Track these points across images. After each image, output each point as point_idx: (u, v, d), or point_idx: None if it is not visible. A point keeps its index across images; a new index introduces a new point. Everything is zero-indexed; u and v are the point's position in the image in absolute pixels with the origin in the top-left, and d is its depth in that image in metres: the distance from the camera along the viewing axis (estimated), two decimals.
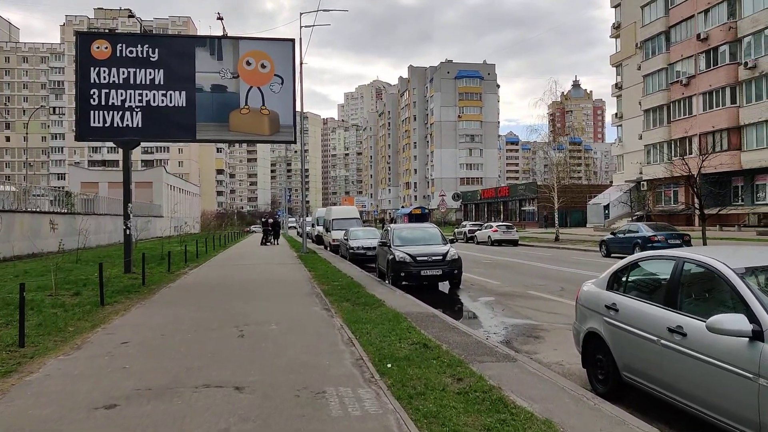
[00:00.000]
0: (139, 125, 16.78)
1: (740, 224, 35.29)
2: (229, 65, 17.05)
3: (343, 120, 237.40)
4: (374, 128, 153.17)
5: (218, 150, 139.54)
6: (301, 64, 26.94)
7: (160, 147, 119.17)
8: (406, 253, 14.06)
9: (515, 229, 35.86)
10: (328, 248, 30.73)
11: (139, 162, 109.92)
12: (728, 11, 37.40)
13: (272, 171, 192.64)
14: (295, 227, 70.32)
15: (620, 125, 54.82)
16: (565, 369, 6.53)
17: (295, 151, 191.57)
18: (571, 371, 6.39)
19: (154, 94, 16.81)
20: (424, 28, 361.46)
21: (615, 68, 55.14)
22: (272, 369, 6.02)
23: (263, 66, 17.16)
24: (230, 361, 6.39)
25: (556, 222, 35.68)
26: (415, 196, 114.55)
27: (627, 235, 21.71)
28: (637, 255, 5.18)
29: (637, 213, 48.97)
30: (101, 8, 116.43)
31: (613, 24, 54.45)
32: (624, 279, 5.26)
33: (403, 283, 13.93)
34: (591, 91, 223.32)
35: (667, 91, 43.88)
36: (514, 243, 34.08)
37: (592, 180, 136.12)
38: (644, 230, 20.76)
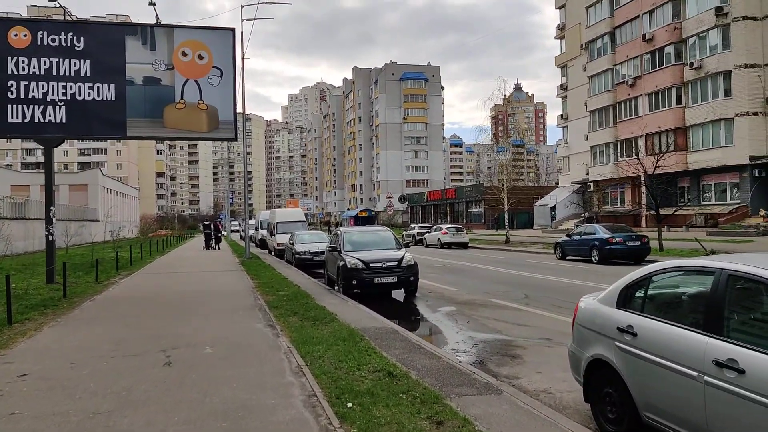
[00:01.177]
0: (63, 121, 15.04)
1: (687, 224, 35.89)
2: (163, 56, 15.50)
3: (287, 122, 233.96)
4: (319, 130, 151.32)
5: (158, 152, 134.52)
6: (242, 58, 25.46)
7: (97, 149, 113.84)
8: (358, 259, 12.95)
9: (465, 231, 35.33)
10: (273, 253, 29.24)
11: (75, 164, 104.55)
12: (673, 12, 38.08)
13: (214, 173, 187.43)
14: (237, 230, 68.05)
15: (566, 126, 55.51)
16: (556, 400, 5.56)
17: (238, 153, 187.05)
18: (564, 402, 5.44)
19: (79, 87, 15.09)
20: (367, 31, 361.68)
21: (560, 69, 55.79)
22: (201, 413, 4.78)
23: (200, 57, 15.69)
24: (149, 402, 5.11)
25: (506, 224, 35.38)
26: (361, 199, 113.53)
27: (583, 237, 21.26)
28: (659, 265, 4.24)
29: (584, 214, 49.56)
30: (35, 5, 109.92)
31: (558, 25, 55.05)
32: (641, 295, 4.30)
33: (355, 291, 12.82)
34: (532, 94, 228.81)
35: (613, 92, 44.49)
36: (464, 245, 33.51)
37: (535, 182, 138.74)
38: (601, 232, 20.33)
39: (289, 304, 10.77)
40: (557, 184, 67.08)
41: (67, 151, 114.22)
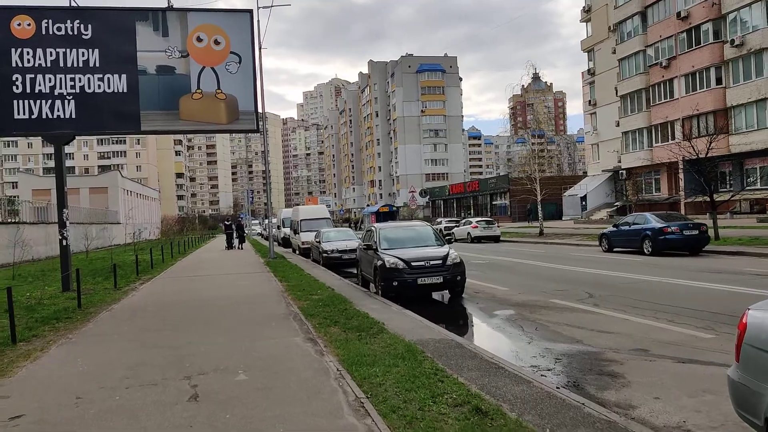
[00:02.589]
0: (73, 116, 13.96)
1: (731, 211, 33.95)
2: (177, 42, 14.31)
3: (303, 120, 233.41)
4: (335, 126, 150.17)
5: (177, 153, 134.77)
6: (260, 48, 24.22)
7: (117, 151, 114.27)
8: (398, 258, 11.63)
9: (496, 224, 33.84)
10: (297, 252, 28.07)
11: (96, 168, 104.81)
12: None
13: (233, 173, 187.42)
14: (258, 229, 67.23)
15: (594, 113, 53.55)
16: None
17: (256, 153, 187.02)
18: None
19: (88, 79, 13.99)
20: (378, 26, 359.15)
21: (586, 53, 53.79)
22: None
23: (217, 42, 14.47)
24: None
25: (540, 216, 33.78)
26: (381, 194, 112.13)
27: (633, 227, 19.67)
28: None
29: (617, 203, 47.69)
30: None
31: (584, 7, 53.07)
32: None
33: (396, 293, 11.52)
34: (551, 84, 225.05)
35: (646, 75, 42.52)
36: (495, 239, 32.04)
37: (557, 173, 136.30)
38: (653, 221, 18.73)
39: (326, 311, 9.50)
40: (585, 173, 65.10)
41: (87, 155, 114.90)
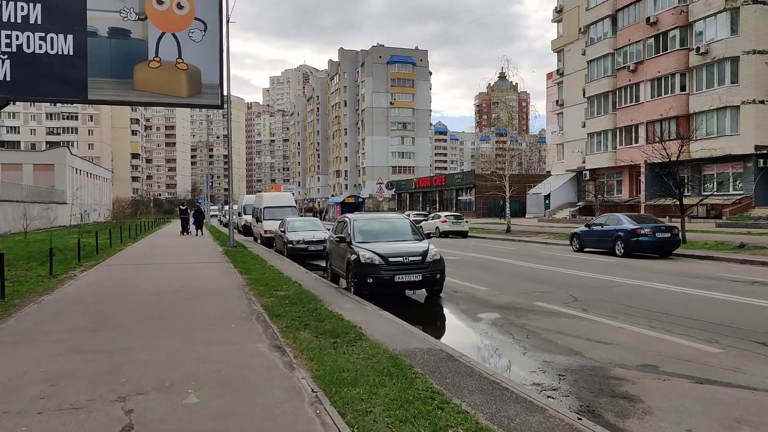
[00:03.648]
0: (7, 78, 12.24)
1: (689, 215, 34.13)
2: (134, 3, 12.77)
3: (268, 105, 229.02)
4: (302, 114, 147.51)
5: (134, 133, 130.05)
6: (228, 19, 22.74)
7: (67, 127, 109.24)
8: (374, 253, 10.60)
9: (465, 219, 33.15)
10: (259, 241, 26.71)
11: (44, 144, 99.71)
12: None
13: (193, 156, 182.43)
14: (216, 215, 65.08)
15: (561, 113, 53.49)
16: None
17: (218, 137, 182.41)
18: None
19: (28, 37, 12.33)
20: (349, 17, 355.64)
21: (556, 54, 53.65)
22: None
23: (180, 6, 13.04)
24: None
25: (507, 213, 33.25)
26: (346, 185, 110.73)
27: (605, 227, 19.16)
28: None
29: (579, 203, 47.77)
30: None
31: (555, 8, 52.87)
32: None
33: (366, 291, 10.51)
34: (516, 84, 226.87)
35: (613, 78, 42.52)
36: (463, 235, 31.35)
37: (518, 171, 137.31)
38: (626, 222, 18.23)
39: (294, 311, 8.42)
40: (548, 172, 65.30)
41: (34, 129, 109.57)
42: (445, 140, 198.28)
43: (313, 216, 60.09)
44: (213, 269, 14.71)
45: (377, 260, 10.46)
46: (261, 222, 26.35)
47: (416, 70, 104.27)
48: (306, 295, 9.86)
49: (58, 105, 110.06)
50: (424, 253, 10.74)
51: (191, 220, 33.50)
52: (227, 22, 22.55)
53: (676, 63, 36.55)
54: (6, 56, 12.25)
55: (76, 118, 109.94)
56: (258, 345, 6.42)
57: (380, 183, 52.20)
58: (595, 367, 6.15)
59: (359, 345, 6.36)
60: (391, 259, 10.47)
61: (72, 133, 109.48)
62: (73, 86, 12.70)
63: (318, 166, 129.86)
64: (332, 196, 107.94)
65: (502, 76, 67.38)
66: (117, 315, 8.46)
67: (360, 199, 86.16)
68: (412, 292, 11.52)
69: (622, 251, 17.98)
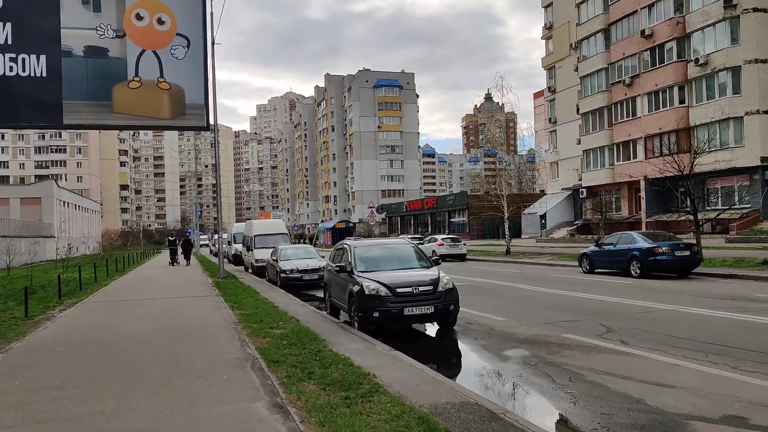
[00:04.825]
0: None
1: (692, 231, 33.33)
2: (111, 19, 11.80)
3: (255, 133, 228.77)
4: (290, 140, 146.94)
5: (122, 164, 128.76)
6: (213, 44, 21.89)
7: (56, 161, 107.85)
8: (380, 283, 9.54)
9: (462, 242, 32.17)
10: (251, 270, 25.53)
11: (33, 177, 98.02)
12: (675, 5, 35.85)
13: (181, 186, 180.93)
14: (207, 245, 63.71)
15: (554, 131, 53.05)
16: None
17: (206, 166, 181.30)
18: None
19: None
20: (333, 43, 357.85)
21: (547, 71, 53.42)
22: None
23: (160, 21, 12.07)
24: None
25: (507, 233, 32.32)
26: (336, 210, 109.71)
27: (618, 247, 18.21)
28: None
29: (576, 222, 46.98)
30: None
31: (545, 24, 52.77)
32: None
33: (371, 327, 9.41)
34: (503, 104, 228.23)
35: (608, 93, 42.10)
36: (461, 258, 30.35)
37: (508, 191, 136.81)
38: (641, 241, 17.29)
39: (294, 354, 7.31)
40: (542, 191, 64.69)
41: (23, 164, 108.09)
42: (433, 162, 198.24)
43: (303, 242, 58.80)
44: (202, 304, 13.54)
45: (383, 291, 9.39)
46: (252, 251, 25.19)
47: (403, 93, 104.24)
48: (306, 334, 8.75)
49: (46, 138, 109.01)
50: (435, 282, 9.70)
51: (179, 250, 32.41)
52: (213, 42, 21.71)
53: (674, 75, 36.10)
54: None
55: (65, 150, 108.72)
56: (255, 405, 5.29)
57: (372, 207, 51.20)
58: (669, 423, 5.06)
59: (377, 400, 5.27)
60: (399, 290, 9.40)
61: (61, 166, 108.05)
62: (47, 111, 11.64)
63: (307, 192, 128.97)
64: (322, 221, 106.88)
65: (489, 98, 67.07)
66: (91, 366, 7.30)
67: (351, 224, 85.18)
68: (422, 327, 10.44)
69: (638, 272, 17.00)
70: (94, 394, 5.88)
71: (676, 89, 36.47)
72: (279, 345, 7.95)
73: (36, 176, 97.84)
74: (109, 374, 6.78)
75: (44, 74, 11.51)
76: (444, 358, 8.64)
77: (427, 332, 10.13)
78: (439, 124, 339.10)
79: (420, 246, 32.39)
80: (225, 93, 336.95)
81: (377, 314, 9.32)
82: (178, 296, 15.79)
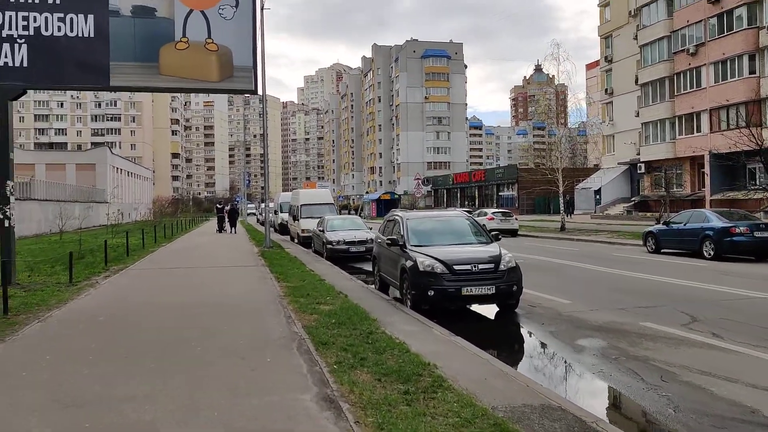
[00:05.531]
0: (25, 63, 11.04)
1: (763, 210, 31.15)
2: None
3: (303, 104, 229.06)
4: (336, 111, 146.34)
5: (173, 133, 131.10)
6: (262, 9, 21.18)
7: (112, 129, 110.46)
8: (436, 259, 8.77)
9: (514, 216, 31.00)
10: (296, 240, 25.17)
11: (90, 144, 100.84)
12: None
13: (230, 156, 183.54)
14: (254, 214, 64.20)
15: (610, 102, 50.48)
16: None
17: (255, 136, 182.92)
18: None
19: (46, 19, 11.03)
20: (380, 16, 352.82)
21: (603, 40, 50.65)
22: None
23: None
24: None
25: (562, 209, 31.03)
26: (381, 182, 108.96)
27: (688, 225, 16.84)
28: None
29: (633, 198, 44.91)
30: None
31: None
32: None
33: (425, 306, 8.67)
34: (553, 76, 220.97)
35: (670, 62, 39.51)
36: (513, 233, 29.19)
37: (570, 164, 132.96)
38: (716, 219, 15.90)
39: (343, 335, 6.67)
40: (596, 165, 62.21)
41: (80, 131, 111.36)
42: (480, 135, 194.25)
43: (348, 212, 58.43)
44: (247, 275, 13.11)
45: (439, 268, 8.62)
46: (298, 221, 24.78)
47: (451, 63, 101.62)
48: (355, 311, 8.10)
49: (102, 106, 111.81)
50: (497, 260, 8.87)
51: (226, 218, 32.66)
52: (262, 3, 21.01)
53: (744, 43, 33.49)
54: (23, 40, 10.95)
55: (120, 119, 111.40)
56: (302, 397, 4.64)
57: (418, 179, 50.20)
58: None
59: (441, 397, 4.55)
60: (456, 267, 8.63)
61: (116, 133, 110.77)
62: (94, 72, 11.34)
63: (352, 163, 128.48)
64: (367, 193, 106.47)
65: (539, 69, 64.53)
66: (128, 340, 6.84)
67: (396, 196, 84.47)
68: (478, 306, 9.66)
69: (712, 253, 15.65)
70: (128, 373, 5.37)
71: (746, 58, 33.85)
72: (327, 324, 7.32)
73: (92, 143, 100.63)
74: (145, 350, 6.29)
75: (92, 34, 11.18)
76: (508, 346, 7.85)
77: (485, 315, 9.33)
78: (487, 96, 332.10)
79: None
80: (273, 64, 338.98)
81: (432, 293, 8.58)
82: (223, 265, 15.46)
